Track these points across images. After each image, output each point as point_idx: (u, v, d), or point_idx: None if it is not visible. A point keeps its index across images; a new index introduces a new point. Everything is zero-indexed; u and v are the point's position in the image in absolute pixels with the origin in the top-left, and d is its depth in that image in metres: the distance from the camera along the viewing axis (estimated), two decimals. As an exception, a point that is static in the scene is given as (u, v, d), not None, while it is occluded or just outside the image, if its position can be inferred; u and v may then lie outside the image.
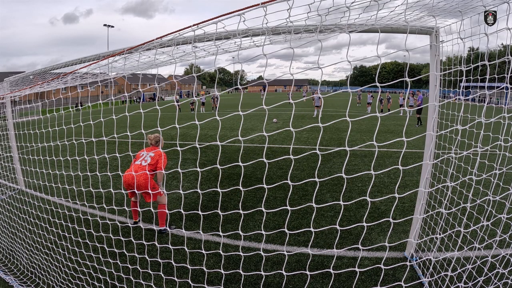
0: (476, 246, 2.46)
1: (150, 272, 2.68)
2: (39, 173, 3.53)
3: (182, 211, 2.05)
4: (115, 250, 2.72)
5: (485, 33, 2.04)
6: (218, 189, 1.81)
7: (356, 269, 1.73)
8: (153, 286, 2.47)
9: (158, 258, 2.54)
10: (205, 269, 2.17)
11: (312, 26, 2.46)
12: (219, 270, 2.19)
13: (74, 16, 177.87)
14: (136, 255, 2.70)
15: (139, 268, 2.74)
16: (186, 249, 2.43)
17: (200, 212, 2.03)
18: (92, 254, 2.96)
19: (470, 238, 2.89)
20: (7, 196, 5.48)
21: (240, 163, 1.74)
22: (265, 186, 1.74)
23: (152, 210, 3.15)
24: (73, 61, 4.31)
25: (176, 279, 2.41)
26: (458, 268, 2.44)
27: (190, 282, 2.31)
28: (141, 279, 2.76)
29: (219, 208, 1.93)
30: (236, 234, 4.05)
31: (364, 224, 1.70)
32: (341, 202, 1.59)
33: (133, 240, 2.63)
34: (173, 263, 2.41)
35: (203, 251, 2.48)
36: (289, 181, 1.57)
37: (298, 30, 2.67)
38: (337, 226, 1.72)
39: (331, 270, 1.83)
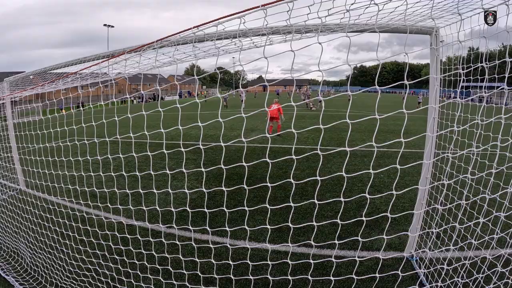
0: (475, 245, 2.47)
1: (151, 271, 2.69)
2: (40, 173, 3.54)
3: (188, 208, 2.06)
4: (116, 249, 2.73)
5: (483, 37, 2.05)
6: (223, 188, 1.83)
7: (356, 268, 1.74)
8: (156, 284, 2.49)
9: (166, 260, 2.56)
10: (198, 265, 2.18)
11: (313, 26, 2.47)
12: (218, 270, 2.21)
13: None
14: (136, 256, 2.72)
15: (142, 267, 2.76)
16: (178, 243, 2.44)
17: (206, 210, 2.05)
18: (97, 252, 2.98)
19: (470, 237, 2.90)
20: (8, 196, 5.49)
21: (244, 163, 1.75)
22: (268, 184, 1.76)
23: (158, 208, 3.16)
24: (73, 61, 4.31)
25: (175, 282, 2.42)
26: (458, 268, 2.46)
27: (188, 284, 2.32)
28: (149, 275, 2.78)
29: (224, 207, 1.95)
30: (236, 234, 4.07)
31: (364, 220, 1.71)
32: (342, 198, 1.61)
33: (139, 237, 2.64)
34: (170, 264, 2.42)
35: (195, 246, 2.50)
36: (291, 179, 1.58)
37: (299, 31, 2.69)
38: (338, 220, 1.74)
39: (331, 264, 1.84)
